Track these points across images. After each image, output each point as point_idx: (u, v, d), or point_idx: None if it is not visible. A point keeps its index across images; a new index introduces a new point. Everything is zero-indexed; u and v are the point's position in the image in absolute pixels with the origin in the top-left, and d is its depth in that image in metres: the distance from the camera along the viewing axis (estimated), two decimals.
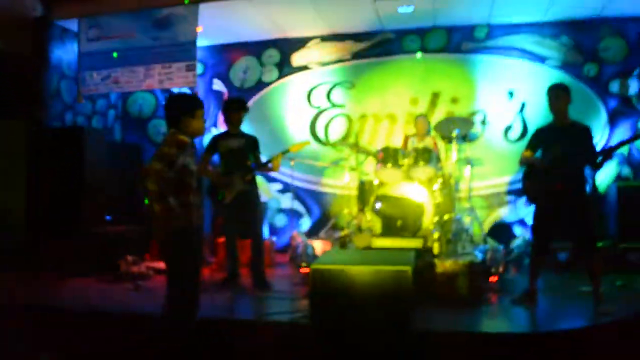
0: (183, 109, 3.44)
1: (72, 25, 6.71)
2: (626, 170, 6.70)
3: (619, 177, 6.65)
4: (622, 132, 6.64)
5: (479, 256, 4.94)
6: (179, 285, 3.37)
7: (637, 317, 4.19)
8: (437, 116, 7.03)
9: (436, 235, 5.13)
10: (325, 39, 7.57)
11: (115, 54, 6.41)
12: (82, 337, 4.21)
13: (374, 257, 4.03)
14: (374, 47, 7.48)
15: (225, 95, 7.67)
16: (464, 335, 3.84)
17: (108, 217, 6.50)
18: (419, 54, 7.33)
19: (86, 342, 4.17)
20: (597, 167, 4.60)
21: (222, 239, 5.85)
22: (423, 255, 4.85)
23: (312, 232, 7.12)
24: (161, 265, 6.07)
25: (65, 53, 6.88)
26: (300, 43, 7.63)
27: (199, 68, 7.24)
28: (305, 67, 7.64)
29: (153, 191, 3.19)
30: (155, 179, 3.18)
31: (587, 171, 5.96)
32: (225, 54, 7.84)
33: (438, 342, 3.75)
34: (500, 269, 5.13)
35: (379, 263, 3.61)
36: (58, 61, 6.79)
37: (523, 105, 6.98)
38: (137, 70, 6.35)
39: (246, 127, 5.64)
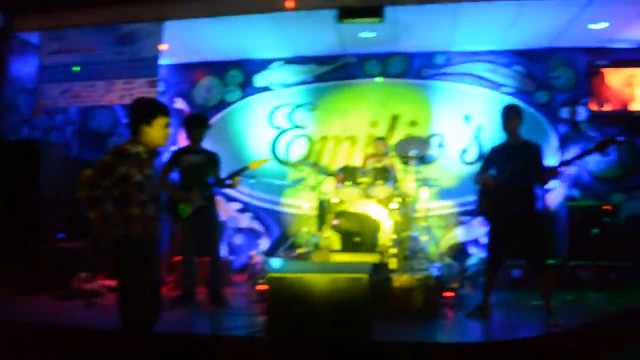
0: (140, 117, 3.28)
1: (34, 38, 6.64)
2: (575, 192, 6.98)
3: (568, 198, 6.91)
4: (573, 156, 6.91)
5: (435, 272, 5.03)
6: (124, 296, 3.24)
7: (585, 328, 4.35)
8: (396, 139, 7.18)
9: (393, 251, 5.21)
10: (288, 61, 7.69)
11: (76, 68, 6.35)
12: (31, 353, 4.10)
13: (331, 268, 4.07)
14: (336, 70, 7.64)
15: (187, 113, 7.67)
16: (419, 345, 3.89)
17: (61, 235, 6.34)
18: (379, 79, 7.51)
19: (36, 358, 4.07)
20: (544, 183, 4.81)
21: (179, 258, 5.79)
22: (380, 270, 4.91)
23: (271, 252, 7.11)
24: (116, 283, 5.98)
25: (25, 66, 6.79)
26: (263, 64, 7.72)
27: (161, 86, 7.23)
28: (268, 88, 7.72)
29: (82, 198, 3.03)
30: (85, 186, 3.03)
31: (539, 191, 6.24)
32: (188, 73, 7.87)
33: (395, 353, 3.79)
34: (456, 285, 5.25)
35: (336, 271, 3.64)
36: (17, 74, 6.69)
37: (479, 129, 7.21)
38: (98, 85, 6.30)
39: (208, 145, 5.67)
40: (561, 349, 4.10)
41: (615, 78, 6.86)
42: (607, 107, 6.88)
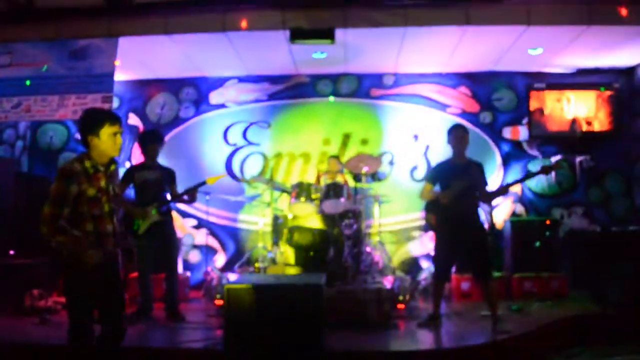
0: (87, 128, 3.18)
1: None
2: (520, 208, 7.35)
3: (513, 214, 7.27)
4: (514, 172, 7.29)
5: (387, 285, 5.21)
6: (69, 315, 3.16)
7: (529, 334, 4.61)
8: (348, 156, 7.38)
9: (347, 265, 5.36)
10: (242, 79, 7.79)
11: (28, 82, 6.27)
12: None
13: (286, 279, 4.18)
14: (289, 89, 7.80)
15: (141, 129, 7.65)
16: (372, 354, 4.03)
17: (12, 252, 6.21)
18: (331, 98, 7.71)
19: None
20: (489, 201, 5.10)
21: (134, 274, 5.75)
22: (334, 283, 5.05)
23: (227, 267, 7.13)
24: None
25: None
26: (218, 82, 7.80)
27: (115, 101, 7.20)
28: (222, 105, 7.81)
29: (47, 234, 2.96)
30: (47, 223, 2.96)
31: (485, 207, 6.55)
32: (142, 89, 7.85)
33: None
34: (407, 297, 5.43)
35: (291, 282, 3.75)
36: None
37: (427, 148, 7.51)
38: (51, 99, 6.23)
39: (162, 162, 5.68)
40: (508, 355, 4.34)
41: (552, 100, 7.30)
42: (545, 128, 7.30)
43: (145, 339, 4.57)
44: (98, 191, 3.14)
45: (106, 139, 3.16)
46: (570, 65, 7.29)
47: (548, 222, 6.63)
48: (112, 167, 3.30)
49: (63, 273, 3.14)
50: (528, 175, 5.28)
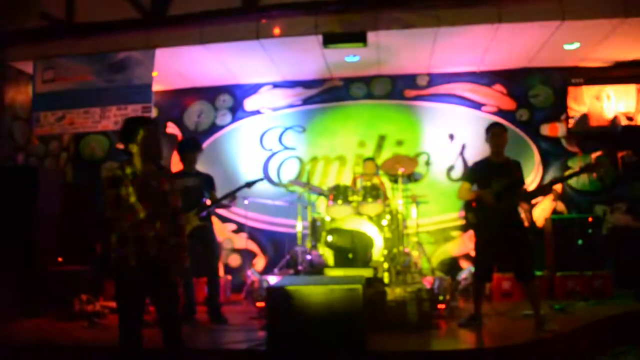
0: (126, 136, 3.31)
1: (27, 66, 6.77)
2: (560, 205, 7.22)
3: (554, 212, 7.15)
4: (554, 170, 7.18)
5: (427, 285, 5.19)
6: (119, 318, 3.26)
7: (574, 334, 4.53)
8: (384, 158, 7.39)
9: (386, 266, 5.37)
10: (276, 85, 7.90)
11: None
12: None
13: (327, 280, 4.21)
14: (323, 93, 7.86)
15: (179, 138, 7.82)
16: (414, 354, 4.03)
17: (60, 259, 6.43)
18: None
19: None
20: (529, 200, 5.02)
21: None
22: (374, 284, 5.06)
23: (267, 271, 7.23)
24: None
25: (19, 94, 6.90)
26: (252, 89, 7.93)
27: (154, 111, 7.37)
28: (258, 112, 7.92)
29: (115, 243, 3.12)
30: (111, 230, 3.13)
31: (524, 205, 6.46)
32: (179, 98, 8.04)
33: None
34: (448, 297, 5.40)
35: (332, 283, 3.78)
36: (11, 102, 6.80)
37: (463, 147, 7.46)
38: (93, 111, 6.45)
39: (200, 169, 5.80)
40: (552, 354, 4.28)
41: (591, 95, 7.17)
42: (585, 123, 7.17)
43: (189, 340, 4.64)
44: (143, 196, 3.19)
45: (146, 143, 3.27)
46: (608, 59, 7.14)
47: (590, 219, 6.50)
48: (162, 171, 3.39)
49: (111, 278, 3.25)
50: (572, 174, 5.14)
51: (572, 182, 7.21)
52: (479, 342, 4.48)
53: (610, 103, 7.14)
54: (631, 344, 4.77)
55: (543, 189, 4.95)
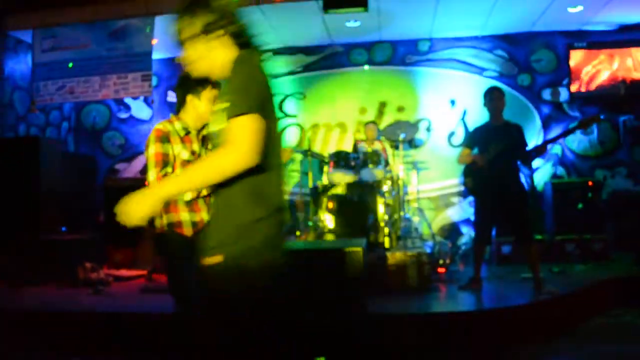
0: (188, 88, 2.99)
1: (27, 36, 6.74)
2: (560, 170, 7.24)
3: (554, 176, 7.17)
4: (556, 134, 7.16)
5: (427, 250, 5.24)
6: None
7: (571, 295, 4.60)
8: (385, 124, 7.38)
9: (387, 231, 5.42)
10: (277, 52, 7.84)
11: (70, 64, 6.47)
12: (44, 339, 4.25)
13: (328, 244, 4.25)
14: (324, 59, 7.82)
15: None
16: (414, 316, 4.10)
17: (64, 228, 6.50)
18: (366, 67, 7.70)
19: (50, 343, 4.20)
20: (529, 162, 5.02)
21: None
22: (375, 249, 5.12)
23: None
24: (121, 272, 6.13)
25: (19, 64, 6.90)
26: None
27: (154, 80, 7.35)
28: None
29: None
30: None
31: (525, 169, 6.48)
32: (180, 67, 7.94)
33: (391, 323, 4.00)
34: (448, 262, 5.47)
35: (332, 247, 3.82)
36: (11, 72, 6.80)
37: (464, 113, 7.44)
38: (93, 80, 6.43)
39: None
40: (549, 316, 4.35)
41: (594, 59, 7.11)
42: (586, 88, 7.13)
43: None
44: (192, 154, 2.94)
45: (206, 102, 2.99)
46: (611, 22, 7.06)
47: (590, 183, 6.51)
48: (204, 132, 3.06)
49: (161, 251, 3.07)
50: (566, 132, 5.12)
51: (573, 146, 7.22)
52: (478, 304, 4.54)
53: (613, 65, 7.09)
54: (628, 306, 4.83)
55: (539, 149, 4.94)
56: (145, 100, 7.94)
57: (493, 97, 4.89)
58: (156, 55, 6.98)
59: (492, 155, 4.76)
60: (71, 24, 6.52)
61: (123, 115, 8.04)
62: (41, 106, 6.95)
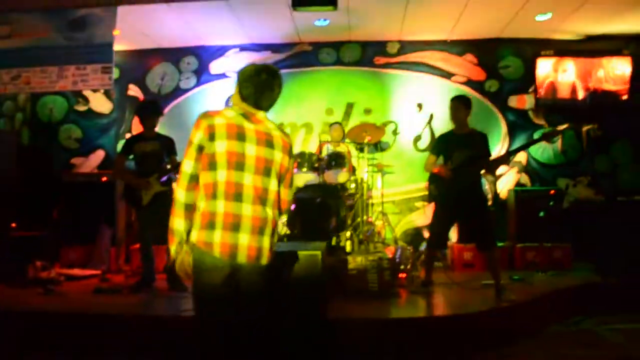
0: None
1: None
2: (524, 178, 7.28)
3: (517, 184, 7.21)
4: (520, 142, 7.17)
5: (389, 255, 5.18)
6: None
7: (531, 303, 4.60)
8: (351, 126, 7.30)
9: (348, 234, 5.34)
10: (244, 48, 7.70)
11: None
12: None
13: (286, 247, 4.15)
14: (292, 58, 7.70)
15: (141, 100, 7.59)
16: (373, 321, 4.03)
17: (14, 224, 6.24)
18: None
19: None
20: (492, 171, 5.06)
21: (137, 245, 5.77)
22: (336, 252, 5.03)
23: None
24: (73, 271, 5.92)
25: None
26: (219, 52, 7.71)
27: (115, 72, 7.12)
28: (223, 75, 7.72)
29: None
30: None
31: (489, 177, 6.49)
32: (142, 60, 7.78)
33: (351, 329, 3.93)
34: (409, 267, 5.41)
35: (291, 249, 3.72)
36: None
37: (431, 117, 7.42)
38: (50, 70, 6.16)
39: (163, 133, 5.62)
40: (509, 322, 4.35)
41: (560, 68, 7.16)
42: (552, 96, 7.18)
43: (148, 307, 4.60)
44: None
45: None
46: (579, 32, 7.13)
47: (552, 192, 6.59)
48: None
49: None
50: (529, 142, 5.20)
51: (537, 155, 7.27)
52: (438, 310, 4.53)
53: (578, 74, 7.16)
54: (586, 314, 4.86)
55: (502, 159, 4.99)
56: (106, 93, 7.70)
57: (456, 107, 4.90)
58: (118, 47, 6.76)
59: (455, 164, 4.78)
60: (27, 10, 6.25)
61: (81, 108, 7.77)
62: None
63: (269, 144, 2.57)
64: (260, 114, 2.65)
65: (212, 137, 2.49)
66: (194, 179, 2.53)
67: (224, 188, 2.48)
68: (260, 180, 2.53)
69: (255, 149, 2.52)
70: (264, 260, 2.56)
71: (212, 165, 2.49)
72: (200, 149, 2.51)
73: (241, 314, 2.60)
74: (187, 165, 2.52)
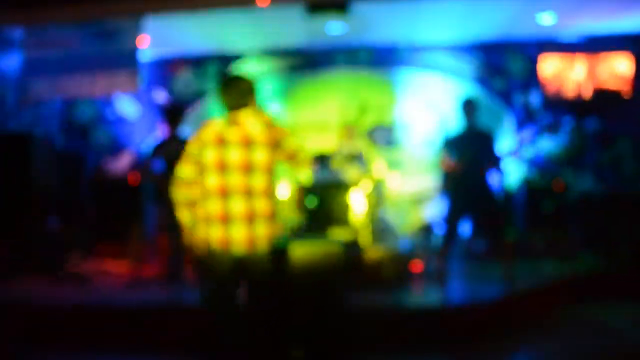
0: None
1: (16, 32, 6.83)
2: (530, 172, 7.56)
3: (524, 178, 7.47)
4: (526, 139, 7.49)
5: (401, 247, 5.52)
6: None
7: (540, 290, 4.88)
8: (364, 126, 7.61)
9: (365, 229, 5.67)
10: (259, 54, 8.05)
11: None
12: (29, 331, 4.36)
13: (308, 242, 4.45)
14: (306, 62, 8.04)
15: (165, 105, 7.93)
16: (389, 310, 4.36)
17: (52, 220, 6.61)
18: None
19: (35, 336, 4.33)
20: (499, 167, 5.40)
21: (164, 241, 6.08)
22: (353, 246, 5.36)
23: None
24: (108, 265, 6.29)
25: (8, 60, 6.98)
26: (237, 57, 8.07)
27: (141, 78, 7.46)
28: None
29: None
30: None
31: (498, 173, 6.78)
32: (167, 66, 8.15)
33: (367, 318, 4.24)
34: (422, 259, 5.73)
35: (312, 245, 4.01)
36: (0, 68, 6.89)
37: (442, 116, 7.73)
38: (81, 77, 6.54)
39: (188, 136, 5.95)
40: (517, 311, 4.62)
41: (564, 66, 7.42)
42: (556, 93, 7.45)
43: (179, 299, 4.90)
44: None
45: None
46: (583, 31, 7.38)
47: (558, 185, 6.82)
48: None
49: None
50: (530, 139, 5.47)
51: (543, 149, 7.54)
52: (449, 300, 4.80)
53: (582, 72, 7.41)
54: (593, 302, 5.11)
55: (507, 155, 5.29)
56: (133, 98, 8.08)
57: (465, 108, 5.23)
58: (144, 54, 7.12)
59: (464, 161, 5.10)
60: (61, 21, 6.61)
61: (111, 113, 8.18)
62: (30, 103, 7.05)
63: (250, 142, 2.91)
64: (242, 115, 2.99)
65: (201, 146, 2.90)
66: (188, 183, 2.93)
67: (214, 190, 2.85)
68: (245, 178, 2.88)
69: (237, 151, 2.86)
70: (262, 248, 2.92)
71: (203, 171, 2.87)
72: (194, 156, 2.92)
73: (249, 301, 2.97)
74: (182, 171, 2.95)
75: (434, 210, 7.54)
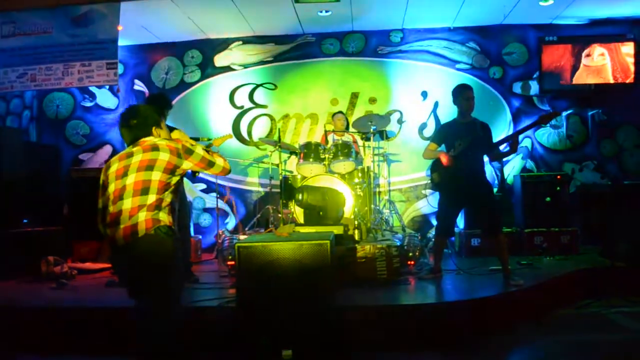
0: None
1: None
2: (530, 164, 7.29)
3: (523, 169, 7.22)
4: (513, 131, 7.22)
5: (397, 242, 5.22)
6: None
7: (538, 287, 4.64)
8: (356, 115, 7.32)
9: (357, 223, 5.37)
10: (247, 41, 7.71)
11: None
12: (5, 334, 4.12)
13: (296, 237, 4.18)
14: (295, 49, 7.71)
15: (147, 95, 7.62)
16: (383, 308, 4.07)
17: (25, 220, 6.29)
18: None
19: (10, 339, 4.09)
20: (494, 158, 5.11)
21: None
22: (344, 241, 5.06)
23: (238, 230, 7.21)
24: (85, 265, 5.97)
25: None
26: (222, 44, 7.73)
27: (120, 68, 7.15)
28: (228, 68, 7.74)
29: None
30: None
31: (496, 164, 6.51)
32: (146, 54, 7.80)
33: (360, 315, 3.97)
34: (417, 254, 5.45)
35: (300, 240, 3.76)
36: None
37: (436, 105, 7.43)
38: (55, 67, 6.20)
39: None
40: (517, 307, 4.38)
41: (564, 53, 7.14)
42: (557, 82, 7.16)
43: None
44: None
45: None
46: (582, 16, 7.11)
47: (559, 177, 6.58)
48: None
49: None
50: (527, 126, 5.10)
51: (543, 140, 7.28)
52: (447, 295, 4.56)
53: (583, 59, 7.14)
54: (594, 298, 4.88)
55: (501, 143, 4.97)
56: (111, 89, 7.74)
57: (460, 96, 4.93)
58: (122, 42, 6.80)
59: (458, 151, 4.82)
60: (32, 8, 6.27)
61: (88, 103, 7.81)
62: (1, 95, 6.72)
63: (148, 168, 2.87)
64: (138, 146, 2.94)
65: (104, 180, 2.96)
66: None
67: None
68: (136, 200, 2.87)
69: (134, 176, 2.85)
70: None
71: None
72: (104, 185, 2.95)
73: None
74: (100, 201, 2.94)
75: (430, 202, 7.26)
